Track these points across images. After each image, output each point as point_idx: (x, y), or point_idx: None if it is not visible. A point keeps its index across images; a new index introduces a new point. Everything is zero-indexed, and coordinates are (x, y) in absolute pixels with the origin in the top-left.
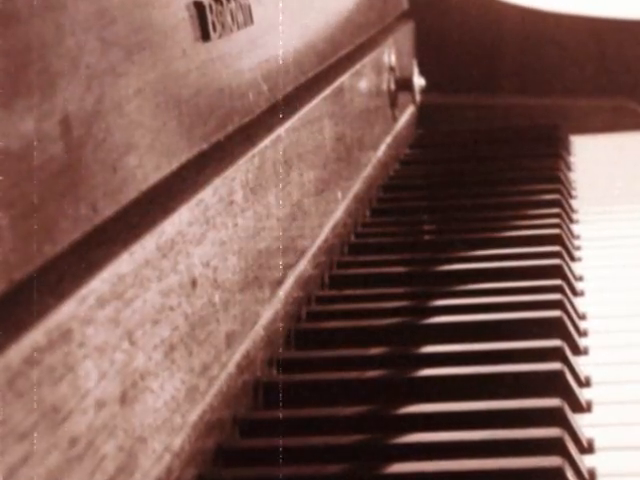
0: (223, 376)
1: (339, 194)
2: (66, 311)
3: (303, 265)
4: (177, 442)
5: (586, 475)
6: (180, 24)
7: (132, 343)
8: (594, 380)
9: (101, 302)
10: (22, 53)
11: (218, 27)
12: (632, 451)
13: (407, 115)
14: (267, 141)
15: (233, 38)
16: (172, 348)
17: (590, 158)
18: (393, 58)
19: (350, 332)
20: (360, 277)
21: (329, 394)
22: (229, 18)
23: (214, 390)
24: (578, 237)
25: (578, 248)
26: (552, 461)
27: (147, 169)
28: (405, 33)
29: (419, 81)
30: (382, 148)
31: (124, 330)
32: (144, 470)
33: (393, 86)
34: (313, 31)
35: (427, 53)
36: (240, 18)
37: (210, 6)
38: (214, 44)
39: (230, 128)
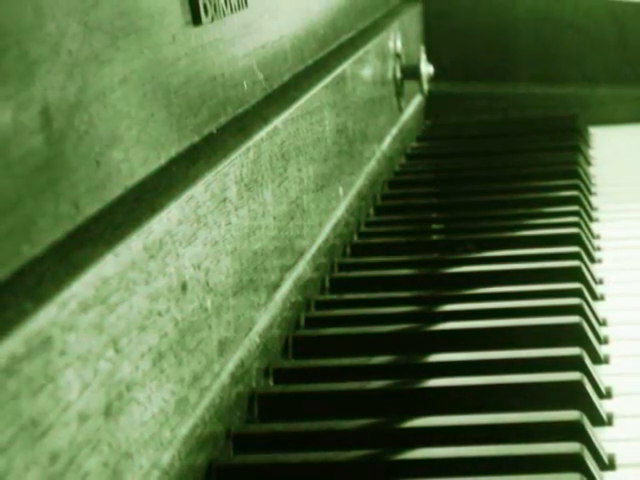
0: (215, 387)
1: (341, 190)
2: (46, 317)
3: (302, 267)
4: (166, 458)
5: None
6: (169, 7)
7: (117, 351)
8: (615, 391)
9: (84, 307)
10: None
11: (210, 10)
12: None
13: (414, 105)
14: (263, 133)
15: (226, 22)
16: (160, 357)
17: (611, 151)
18: (399, 44)
19: (352, 340)
20: (363, 280)
21: (329, 406)
22: (222, 0)
23: (206, 402)
24: (598, 237)
25: (598, 249)
26: (570, 478)
27: (133, 163)
28: (412, 16)
29: (427, 69)
30: (387, 141)
31: (108, 337)
32: None
33: (399, 74)
34: (313, 15)
35: (436, 38)
36: (234, 1)
37: None
38: (206, 29)
39: (223, 119)
